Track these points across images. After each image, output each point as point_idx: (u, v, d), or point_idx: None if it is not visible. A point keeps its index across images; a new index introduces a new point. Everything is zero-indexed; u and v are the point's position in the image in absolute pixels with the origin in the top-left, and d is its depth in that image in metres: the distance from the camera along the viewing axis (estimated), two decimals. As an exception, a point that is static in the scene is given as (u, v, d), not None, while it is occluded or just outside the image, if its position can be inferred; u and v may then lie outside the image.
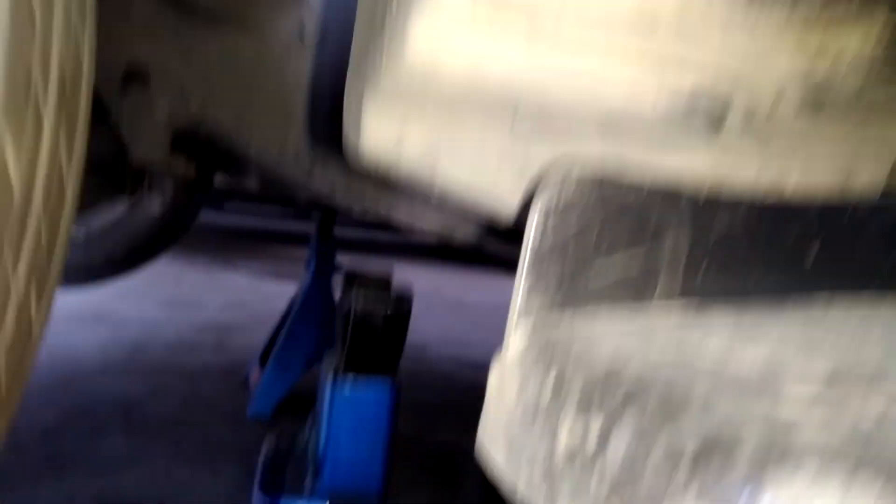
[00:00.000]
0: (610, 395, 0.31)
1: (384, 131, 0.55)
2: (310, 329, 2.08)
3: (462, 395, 2.54)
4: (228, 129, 0.64)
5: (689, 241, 0.56)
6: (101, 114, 0.69)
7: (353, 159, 0.58)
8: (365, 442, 0.68)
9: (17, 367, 0.58)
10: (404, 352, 1.02)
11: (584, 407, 0.32)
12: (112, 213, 2.21)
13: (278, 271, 4.38)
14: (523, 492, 0.38)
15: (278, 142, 0.67)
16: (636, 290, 0.54)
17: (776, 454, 0.22)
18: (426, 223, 0.87)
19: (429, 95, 0.54)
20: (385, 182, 0.66)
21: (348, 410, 0.64)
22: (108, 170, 0.79)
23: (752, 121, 0.54)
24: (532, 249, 0.54)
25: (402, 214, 0.78)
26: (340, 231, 2.28)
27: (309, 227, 2.26)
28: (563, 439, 0.33)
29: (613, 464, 0.28)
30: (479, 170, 0.57)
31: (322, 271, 2.14)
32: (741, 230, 0.57)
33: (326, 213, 2.15)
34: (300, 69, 0.66)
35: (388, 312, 0.69)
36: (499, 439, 0.46)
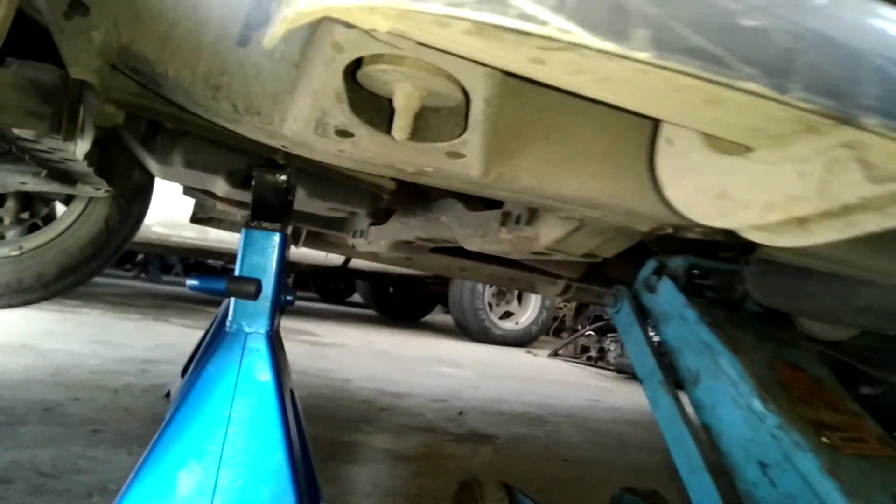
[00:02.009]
0: None
1: None
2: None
3: (377, 414, 2.67)
4: (150, 57, 0.83)
5: None
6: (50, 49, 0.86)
7: None
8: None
9: None
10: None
11: None
12: (45, 234, 2.34)
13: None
14: None
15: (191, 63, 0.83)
16: None
17: None
18: None
19: None
20: None
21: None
22: (46, 95, 0.97)
23: None
24: None
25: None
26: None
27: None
28: None
29: None
30: None
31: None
32: None
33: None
34: None
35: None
36: None
